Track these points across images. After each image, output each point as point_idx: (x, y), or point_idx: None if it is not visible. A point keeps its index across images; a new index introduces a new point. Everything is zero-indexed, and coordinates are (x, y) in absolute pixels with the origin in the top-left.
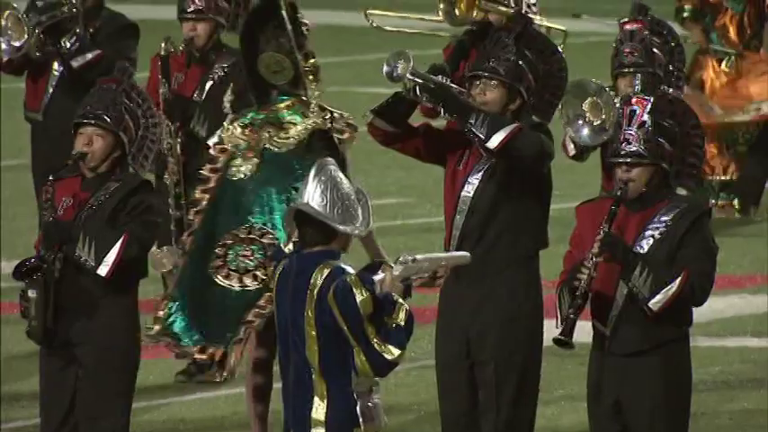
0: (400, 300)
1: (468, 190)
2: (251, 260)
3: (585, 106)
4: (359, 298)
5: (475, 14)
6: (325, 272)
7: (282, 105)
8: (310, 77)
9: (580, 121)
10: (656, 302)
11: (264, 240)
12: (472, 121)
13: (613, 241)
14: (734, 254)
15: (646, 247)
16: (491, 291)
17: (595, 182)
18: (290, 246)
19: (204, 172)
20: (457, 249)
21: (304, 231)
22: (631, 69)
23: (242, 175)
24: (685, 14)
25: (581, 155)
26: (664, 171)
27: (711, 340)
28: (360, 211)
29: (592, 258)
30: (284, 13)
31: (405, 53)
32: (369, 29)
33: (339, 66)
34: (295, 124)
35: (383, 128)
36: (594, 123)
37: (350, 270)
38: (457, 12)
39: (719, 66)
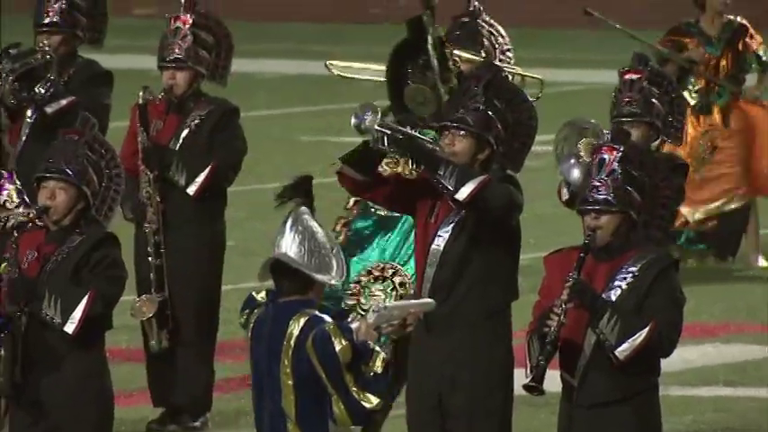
0: (377, 348)
1: (439, 243)
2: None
3: (581, 146)
4: (338, 347)
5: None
6: (303, 321)
7: (427, 139)
8: None
9: (572, 161)
10: (622, 351)
11: (395, 280)
12: (441, 173)
13: (582, 288)
14: (706, 302)
15: (614, 297)
16: (462, 343)
17: (570, 231)
18: (263, 294)
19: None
20: None
21: (281, 281)
22: (629, 119)
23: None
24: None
25: (574, 202)
26: (632, 220)
27: (684, 389)
28: (334, 260)
29: (561, 305)
30: (431, 48)
31: (372, 105)
32: (340, 79)
33: (310, 115)
34: None
35: (352, 176)
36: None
37: (327, 319)
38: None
39: (698, 121)
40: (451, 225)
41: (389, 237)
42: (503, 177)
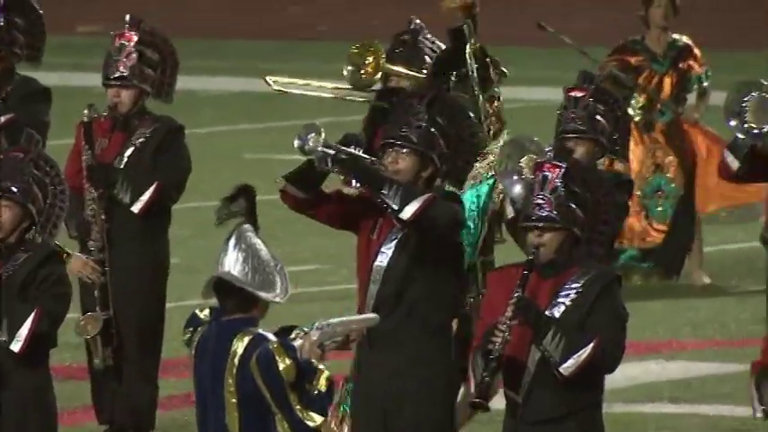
0: (320, 366)
1: (382, 260)
2: None
3: (523, 163)
4: (282, 365)
5: (379, 77)
6: (246, 339)
7: None
8: (492, 119)
9: (515, 177)
10: (567, 367)
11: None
12: (385, 192)
13: (526, 305)
14: (650, 319)
15: (558, 314)
16: (406, 360)
17: (513, 248)
18: (207, 312)
19: None
20: None
21: (225, 299)
22: (574, 136)
23: None
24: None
25: (518, 219)
26: (575, 237)
27: (628, 406)
28: (278, 278)
29: (506, 322)
30: (469, 59)
31: (315, 126)
32: (286, 96)
33: (255, 132)
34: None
35: (295, 194)
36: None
37: (271, 337)
38: (363, 74)
39: (641, 138)
40: (394, 242)
41: None
42: (446, 195)
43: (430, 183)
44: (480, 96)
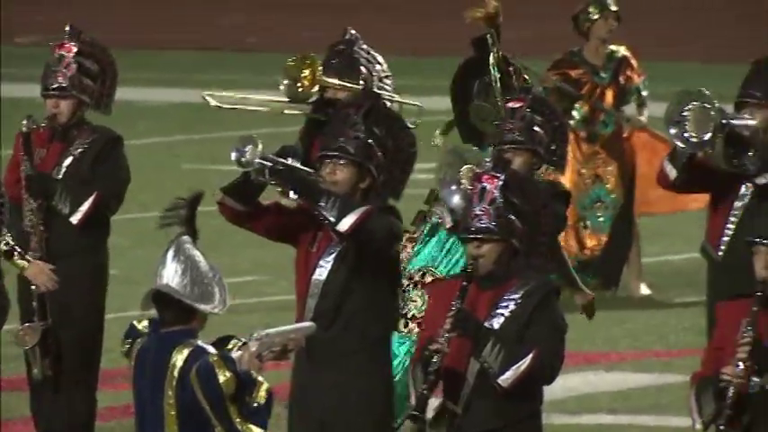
0: (260, 378)
1: (321, 273)
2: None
3: (462, 173)
4: (222, 378)
5: (316, 89)
6: (186, 351)
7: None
8: None
9: (454, 187)
10: (506, 379)
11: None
12: (323, 204)
13: (465, 317)
14: (588, 331)
15: (497, 325)
16: (343, 373)
17: None
18: (145, 323)
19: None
20: None
21: (164, 311)
22: (512, 146)
23: None
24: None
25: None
26: (514, 248)
27: (566, 417)
28: (217, 289)
29: (444, 334)
30: (493, 66)
31: (252, 138)
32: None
33: (192, 143)
34: None
35: (232, 206)
36: (468, 191)
37: (211, 350)
38: (300, 87)
39: (581, 149)
40: (333, 255)
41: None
42: (384, 208)
43: (367, 194)
44: (503, 105)
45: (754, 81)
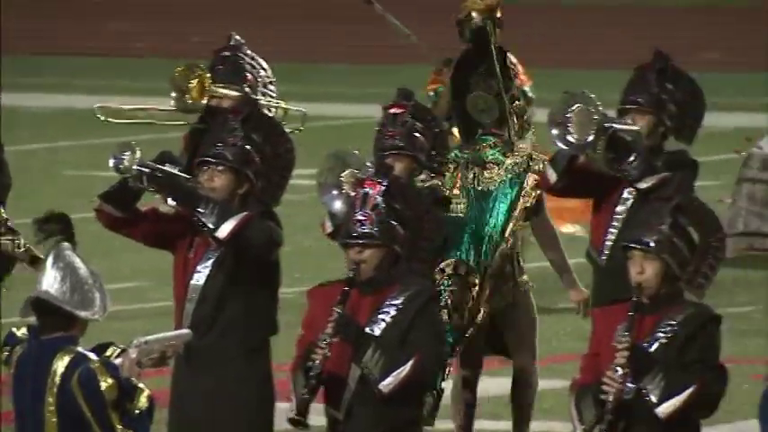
0: (140, 384)
1: (198, 278)
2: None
3: (344, 177)
4: (104, 385)
5: (205, 101)
6: (67, 358)
7: (485, 145)
8: (515, 119)
9: (335, 192)
10: (386, 385)
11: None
12: (201, 210)
13: (346, 322)
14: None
15: (378, 331)
16: (222, 379)
17: (334, 264)
18: (24, 330)
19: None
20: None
21: (44, 318)
22: (393, 152)
23: (455, 214)
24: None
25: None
26: (396, 253)
27: (447, 422)
28: (97, 295)
29: (326, 339)
30: (494, 58)
31: (130, 145)
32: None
33: (75, 149)
34: (497, 164)
35: (110, 212)
36: (349, 196)
37: (92, 356)
38: (188, 99)
39: None
40: (211, 261)
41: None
42: (262, 213)
43: (245, 199)
44: (504, 95)
45: (637, 87)
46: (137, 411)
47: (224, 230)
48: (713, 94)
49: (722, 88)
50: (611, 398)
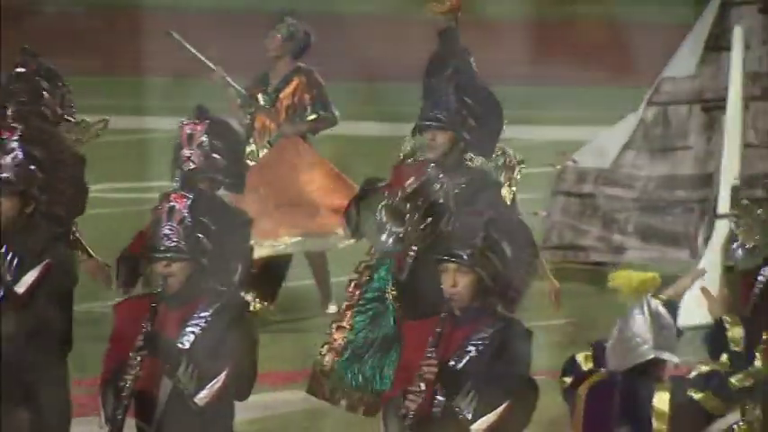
0: None
1: None
2: None
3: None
4: None
5: None
6: None
7: None
8: None
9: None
10: (201, 398)
11: None
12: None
13: (155, 336)
14: (282, 349)
15: (188, 344)
16: (23, 394)
17: None
18: None
19: None
20: None
21: None
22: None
23: None
24: None
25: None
26: (202, 266)
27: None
28: None
29: (136, 358)
30: (458, 58)
31: None
32: None
33: None
34: None
35: None
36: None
37: None
38: None
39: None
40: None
41: None
42: (55, 237)
43: (33, 216)
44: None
45: (438, 104)
46: None
47: (25, 283)
48: (526, 108)
49: (535, 101)
50: (410, 413)
